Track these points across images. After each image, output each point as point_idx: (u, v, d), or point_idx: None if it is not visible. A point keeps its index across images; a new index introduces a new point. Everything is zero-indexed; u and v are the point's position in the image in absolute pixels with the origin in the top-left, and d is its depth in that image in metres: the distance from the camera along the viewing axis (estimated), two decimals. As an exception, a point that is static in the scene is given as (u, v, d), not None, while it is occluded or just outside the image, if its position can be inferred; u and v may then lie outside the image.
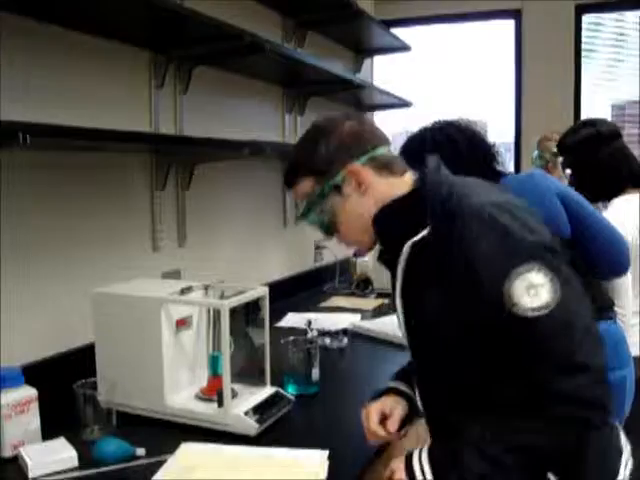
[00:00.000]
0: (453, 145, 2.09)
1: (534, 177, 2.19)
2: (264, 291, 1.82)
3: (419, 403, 1.51)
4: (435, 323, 1.34)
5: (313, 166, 1.46)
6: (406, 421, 1.54)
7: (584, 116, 4.78)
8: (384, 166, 1.44)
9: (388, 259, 1.48)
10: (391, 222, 1.42)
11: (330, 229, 1.51)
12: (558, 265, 1.25)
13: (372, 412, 1.52)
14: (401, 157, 1.53)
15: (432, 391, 1.47)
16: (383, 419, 1.52)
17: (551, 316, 1.20)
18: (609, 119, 4.68)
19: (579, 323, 1.22)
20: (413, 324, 1.45)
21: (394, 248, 1.41)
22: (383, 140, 1.49)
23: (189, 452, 1.56)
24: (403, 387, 1.58)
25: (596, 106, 4.84)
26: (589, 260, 2.11)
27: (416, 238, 1.34)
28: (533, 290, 1.21)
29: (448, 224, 1.29)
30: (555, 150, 3.25)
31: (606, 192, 2.61)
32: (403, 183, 1.44)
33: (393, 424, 1.50)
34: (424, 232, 1.33)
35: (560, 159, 3.26)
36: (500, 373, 1.28)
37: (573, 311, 1.23)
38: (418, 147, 2.09)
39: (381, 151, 1.46)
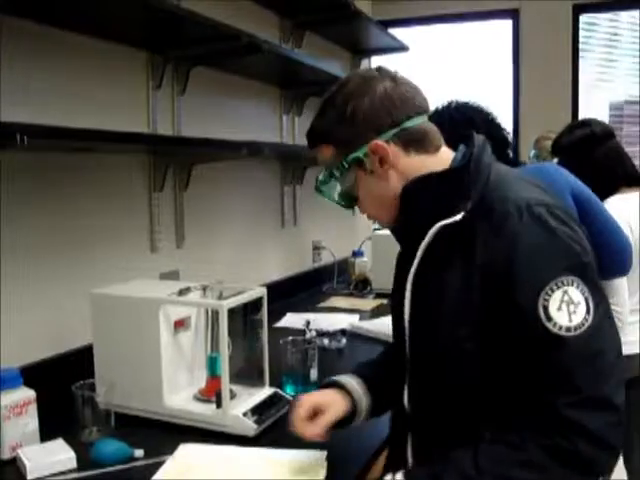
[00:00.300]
0: (471, 126, 1.92)
1: (550, 171, 2.19)
2: (262, 292, 1.82)
3: (407, 406, 1.37)
4: (450, 313, 1.23)
5: (334, 136, 1.33)
6: (344, 423, 1.45)
7: (582, 115, 4.79)
8: (415, 141, 1.30)
9: (406, 236, 1.38)
10: (423, 197, 1.29)
11: (349, 202, 1.41)
12: (596, 284, 1.17)
13: (302, 405, 1.43)
14: (439, 130, 1.38)
15: (424, 394, 1.35)
16: (315, 414, 1.42)
17: (584, 339, 1.10)
18: (607, 118, 4.70)
19: (610, 353, 1.12)
20: (418, 312, 1.32)
21: (419, 226, 1.29)
22: (419, 107, 1.32)
23: (188, 453, 1.56)
24: (353, 384, 1.48)
25: (594, 105, 4.84)
26: None
27: (449, 220, 1.22)
28: (572, 307, 1.11)
29: (492, 212, 1.19)
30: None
31: (600, 191, 2.62)
32: (437, 160, 1.31)
33: (321, 423, 1.39)
34: (459, 216, 1.21)
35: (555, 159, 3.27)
36: (506, 389, 1.18)
37: (606, 338, 1.14)
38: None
39: (414, 122, 1.29)
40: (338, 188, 1.38)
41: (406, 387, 1.37)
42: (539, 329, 1.11)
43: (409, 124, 1.29)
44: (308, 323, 2.60)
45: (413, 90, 1.33)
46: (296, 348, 2.03)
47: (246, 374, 1.85)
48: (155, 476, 1.45)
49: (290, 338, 2.09)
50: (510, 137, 2.13)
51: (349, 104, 1.28)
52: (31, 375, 1.67)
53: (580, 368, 1.10)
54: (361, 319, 2.93)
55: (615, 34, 4.90)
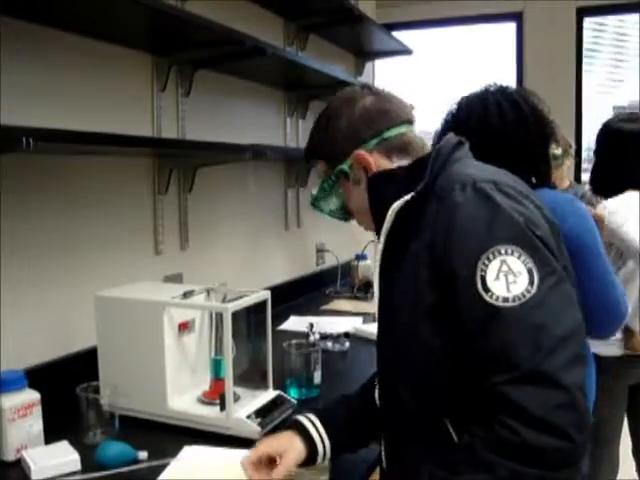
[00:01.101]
0: (518, 113, 1.84)
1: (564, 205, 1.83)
2: (267, 295, 1.82)
3: (378, 404, 1.37)
4: (406, 300, 1.21)
5: (322, 151, 1.41)
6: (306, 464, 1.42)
7: (585, 118, 4.79)
8: (397, 149, 1.33)
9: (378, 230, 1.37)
10: (386, 187, 1.32)
11: (343, 215, 1.46)
12: (547, 260, 1.10)
13: (256, 450, 1.39)
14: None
15: (391, 389, 1.32)
16: (273, 460, 1.38)
17: (523, 311, 1.03)
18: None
19: (555, 330, 1.02)
20: (383, 305, 1.34)
21: (382, 217, 1.30)
22: (403, 118, 1.36)
23: (191, 455, 1.57)
24: (313, 426, 1.45)
25: (598, 108, 4.85)
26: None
27: (400, 202, 1.25)
28: (512, 277, 1.06)
29: (440, 190, 1.20)
30: (557, 152, 3.23)
31: (621, 187, 2.60)
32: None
33: (278, 473, 1.35)
34: (408, 196, 1.23)
35: (566, 160, 3.27)
36: (464, 377, 1.13)
37: (551, 314, 1.04)
38: (481, 110, 1.85)
39: (397, 131, 1.34)
40: (331, 202, 1.44)
41: (377, 382, 1.42)
42: (476, 299, 1.07)
43: (390, 133, 1.34)
44: (312, 326, 2.60)
45: (395, 102, 1.38)
46: (299, 351, 2.04)
47: (250, 377, 1.85)
48: (159, 478, 1.46)
49: (294, 341, 2.09)
50: (555, 128, 1.93)
51: (331, 121, 1.38)
52: (36, 377, 1.68)
53: (519, 342, 1.02)
54: (364, 322, 2.93)
55: (623, 34, 4.91)
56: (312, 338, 2.44)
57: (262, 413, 1.72)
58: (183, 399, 1.78)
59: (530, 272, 1.06)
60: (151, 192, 2.42)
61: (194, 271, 2.59)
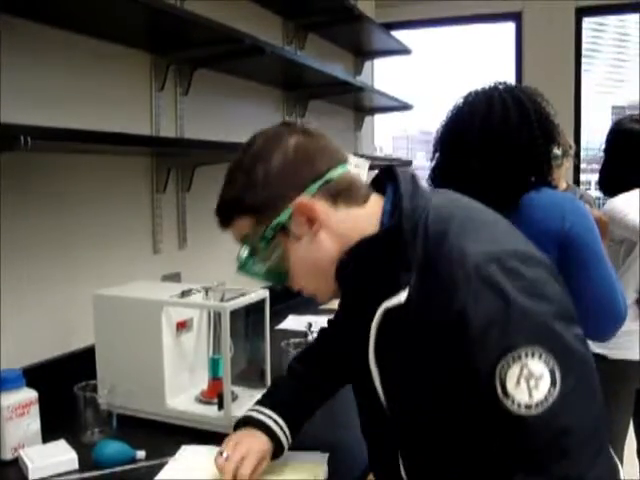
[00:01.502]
0: (522, 112, 1.82)
1: (562, 204, 1.83)
2: (265, 294, 1.82)
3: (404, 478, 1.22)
4: (419, 398, 1.10)
5: (249, 203, 1.14)
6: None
7: (584, 119, 4.80)
8: (342, 193, 1.14)
9: (351, 314, 1.26)
10: (359, 273, 1.14)
11: (280, 278, 1.23)
12: (569, 351, 0.99)
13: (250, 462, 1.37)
14: (368, 184, 1.22)
15: (420, 468, 1.20)
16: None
17: (547, 417, 0.95)
18: (610, 122, 4.70)
19: (580, 432, 0.96)
20: (395, 393, 1.17)
21: (364, 309, 1.15)
22: (339, 157, 1.17)
23: (189, 454, 1.56)
24: (273, 419, 1.43)
25: (597, 108, 4.85)
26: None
27: (393, 302, 1.08)
28: (533, 381, 0.95)
29: (438, 283, 1.03)
30: (557, 152, 3.22)
31: (630, 187, 2.60)
32: (368, 213, 1.16)
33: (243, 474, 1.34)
34: (403, 295, 1.06)
35: (565, 161, 3.26)
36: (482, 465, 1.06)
37: (575, 416, 0.96)
38: (485, 108, 1.84)
39: (338, 172, 1.14)
40: (265, 264, 1.21)
41: (400, 460, 1.22)
42: (497, 406, 0.97)
43: (333, 174, 1.14)
44: (310, 325, 2.60)
45: (328, 140, 1.19)
46: (298, 350, 2.03)
47: (248, 376, 1.85)
48: (157, 477, 1.46)
49: (292, 340, 2.09)
50: (560, 130, 1.92)
51: (258, 165, 1.13)
52: (33, 376, 1.67)
53: (545, 449, 0.96)
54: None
55: (625, 34, 4.92)
56: (310, 337, 2.43)
57: (260, 412, 1.71)
58: (181, 398, 1.78)
59: (552, 372, 0.96)
60: (149, 191, 2.42)
61: (192, 270, 2.59)
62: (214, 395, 1.73)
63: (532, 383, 0.95)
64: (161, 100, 2.44)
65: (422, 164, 7.47)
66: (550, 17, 4.79)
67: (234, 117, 2.96)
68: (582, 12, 4.86)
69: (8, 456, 1.56)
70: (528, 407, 0.95)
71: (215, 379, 1.77)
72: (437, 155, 1.98)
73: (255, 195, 1.13)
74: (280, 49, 2.73)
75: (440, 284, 1.03)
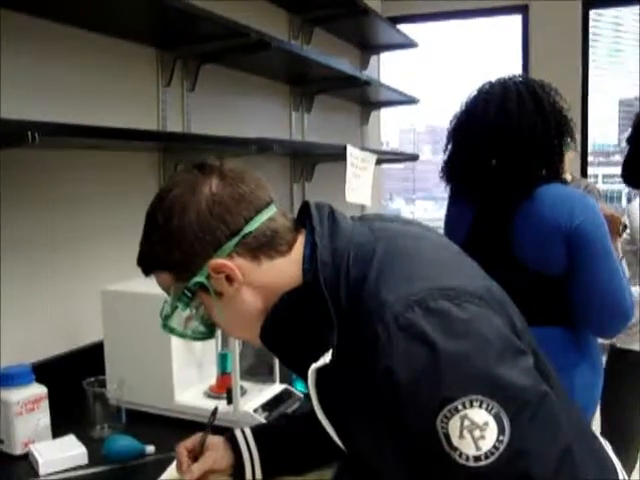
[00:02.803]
0: (537, 103, 1.84)
1: (573, 200, 1.84)
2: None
3: None
4: (373, 453, 1.04)
5: (165, 261, 1.09)
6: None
7: (591, 111, 4.78)
8: (263, 246, 1.05)
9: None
10: (282, 337, 1.08)
11: (207, 335, 1.18)
12: (515, 391, 0.89)
13: (184, 444, 1.36)
14: (291, 220, 1.12)
15: None
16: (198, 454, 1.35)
17: (499, 466, 0.86)
18: (617, 114, 4.69)
19: (543, 469, 0.88)
20: (349, 442, 1.12)
21: (294, 365, 1.13)
22: (261, 201, 1.07)
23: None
24: (243, 436, 1.39)
25: (603, 101, 4.83)
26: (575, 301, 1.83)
27: (318, 365, 1.00)
28: (477, 431, 0.87)
29: (357, 338, 0.95)
30: (571, 144, 3.19)
31: None
32: (292, 262, 1.07)
33: (193, 469, 1.31)
34: (328, 356, 0.98)
35: (569, 153, 3.23)
36: None
37: (533, 457, 0.87)
38: (500, 98, 1.85)
39: (257, 224, 1.05)
40: (187, 323, 1.15)
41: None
42: (446, 460, 0.88)
43: (252, 227, 1.05)
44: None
45: (249, 183, 1.08)
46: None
47: (256, 371, 1.85)
48: (165, 472, 1.46)
49: (300, 335, 2.09)
50: (573, 123, 1.91)
51: (172, 221, 1.05)
52: (43, 371, 1.68)
53: None
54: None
55: (620, 25, 4.90)
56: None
57: (269, 407, 1.72)
58: (190, 393, 1.78)
59: (497, 417, 0.87)
60: (157, 186, 2.41)
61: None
62: (223, 390, 1.74)
63: (477, 433, 0.87)
64: (168, 95, 2.44)
65: (428, 158, 7.47)
66: (557, 9, 4.77)
67: (240, 112, 2.96)
68: (589, 4, 4.84)
69: (18, 451, 1.57)
70: (477, 459, 0.87)
71: (224, 374, 1.78)
72: (450, 147, 1.98)
73: (169, 254, 1.07)
74: (286, 43, 2.73)
75: (362, 342, 0.94)
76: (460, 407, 0.87)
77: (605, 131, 5.65)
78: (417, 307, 0.91)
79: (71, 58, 2.03)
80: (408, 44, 4.21)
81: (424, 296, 0.92)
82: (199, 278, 1.05)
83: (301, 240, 1.10)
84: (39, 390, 1.61)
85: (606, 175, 6.01)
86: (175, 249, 1.05)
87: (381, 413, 0.94)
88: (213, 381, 1.81)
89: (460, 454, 0.87)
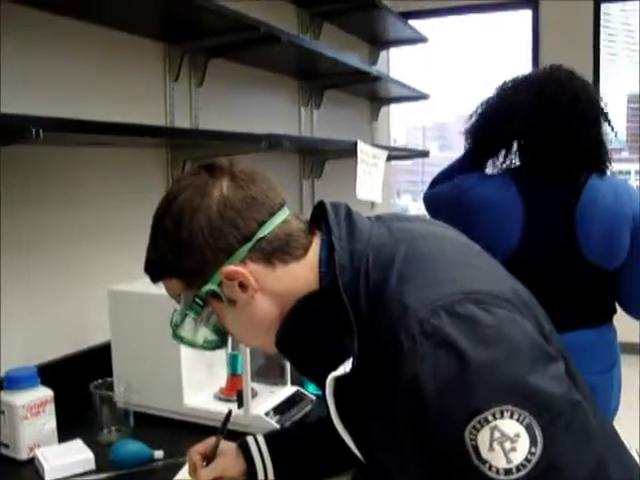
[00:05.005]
0: (573, 101, 1.81)
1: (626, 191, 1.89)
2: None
3: None
4: (394, 465, 1.00)
5: (174, 269, 1.05)
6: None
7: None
8: (277, 251, 1.02)
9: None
10: (299, 345, 1.05)
11: (218, 344, 1.13)
12: (548, 400, 0.85)
13: (197, 449, 1.35)
14: (305, 223, 1.08)
15: None
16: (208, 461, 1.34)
17: (533, 477, 0.82)
18: (625, 110, 4.64)
19: (579, 475, 0.84)
20: (369, 454, 1.07)
21: (312, 373, 1.10)
22: (274, 204, 1.04)
23: (209, 454, 1.52)
24: (255, 443, 1.36)
25: (614, 97, 4.79)
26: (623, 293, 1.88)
27: (338, 373, 0.96)
28: (508, 443, 0.82)
29: (379, 346, 0.91)
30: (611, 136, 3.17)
31: None
32: (308, 266, 1.03)
33: (203, 473, 1.30)
34: (348, 364, 0.95)
35: None
36: None
37: (566, 468, 0.84)
38: (536, 88, 1.84)
39: (270, 228, 1.01)
40: (199, 332, 1.11)
41: None
42: (477, 475, 0.84)
43: (264, 232, 1.01)
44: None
45: (260, 184, 1.04)
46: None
47: (266, 372, 1.81)
48: (175, 478, 1.42)
49: (311, 335, 2.05)
50: (610, 117, 1.91)
51: (182, 227, 1.01)
52: (48, 374, 1.65)
53: None
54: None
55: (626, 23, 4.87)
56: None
57: (281, 409, 1.68)
58: (199, 396, 1.75)
59: (529, 428, 0.83)
60: (165, 184, 2.39)
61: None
62: (233, 392, 1.70)
63: (507, 445, 0.83)
64: (175, 91, 2.41)
65: (435, 155, 7.44)
66: (567, 3, 4.73)
67: (249, 107, 2.92)
68: (600, -2, 4.80)
69: (24, 456, 1.53)
70: (508, 472, 0.82)
71: (234, 376, 1.74)
72: (470, 139, 1.98)
73: (180, 261, 1.03)
74: (296, 37, 2.69)
75: (385, 349, 0.90)
76: (490, 418, 0.83)
77: (616, 127, 5.63)
78: (443, 312, 0.87)
79: (77, 53, 1.99)
80: (418, 39, 4.17)
81: (450, 301, 0.88)
82: (211, 286, 1.02)
83: (316, 242, 1.06)
84: (45, 393, 1.57)
85: (613, 172, 5.98)
86: (185, 256, 1.02)
87: (405, 423, 0.90)
88: (223, 383, 1.77)
89: (490, 467, 0.83)
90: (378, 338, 0.91)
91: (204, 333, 1.11)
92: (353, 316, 0.95)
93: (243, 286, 1.01)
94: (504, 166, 1.93)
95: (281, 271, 1.03)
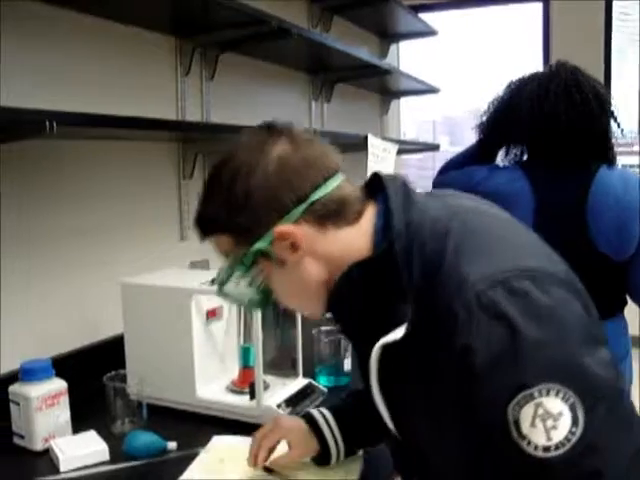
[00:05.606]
0: (581, 96, 1.82)
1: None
2: (295, 281, 1.78)
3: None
4: (430, 436, 1.01)
5: (227, 224, 1.04)
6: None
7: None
8: (331, 214, 1.02)
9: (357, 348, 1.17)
10: (350, 308, 1.06)
11: (263, 302, 1.14)
12: (593, 383, 0.86)
13: (266, 439, 1.37)
14: (360, 190, 1.09)
15: None
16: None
17: (568, 460, 0.83)
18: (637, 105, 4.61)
19: (610, 471, 0.84)
20: (404, 427, 1.08)
21: (360, 340, 1.09)
22: (330, 168, 1.04)
23: (221, 445, 1.53)
24: (329, 429, 1.37)
25: (625, 89, 4.77)
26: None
27: (388, 339, 0.97)
28: (550, 421, 0.84)
29: (435, 314, 0.91)
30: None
31: None
32: (361, 233, 1.04)
33: (277, 461, 1.36)
34: (400, 331, 0.95)
35: None
36: None
37: (604, 456, 0.84)
38: (545, 83, 1.85)
39: (326, 190, 1.02)
40: (245, 289, 1.11)
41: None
42: (514, 449, 0.85)
43: (320, 194, 1.01)
44: (339, 312, 2.56)
45: (318, 148, 1.06)
46: (329, 338, 2.00)
47: (278, 364, 1.82)
48: (188, 469, 1.43)
49: (322, 328, 2.05)
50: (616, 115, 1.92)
51: (238, 182, 1.01)
52: (62, 366, 1.66)
53: None
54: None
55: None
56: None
57: (292, 402, 1.68)
58: (212, 388, 1.75)
59: (573, 409, 0.84)
60: (176, 177, 2.40)
61: (220, 257, 2.56)
62: (245, 384, 1.71)
63: (549, 423, 0.84)
64: (187, 85, 2.41)
65: (445, 149, 7.41)
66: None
67: (260, 101, 2.92)
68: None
69: (39, 447, 1.54)
70: (546, 449, 0.84)
71: (246, 368, 1.74)
72: (481, 135, 1.99)
73: (233, 217, 1.03)
74: (307, 31, 2.69)
75: (440, 318, 0.90)
76: (536, 394, 0.84)
77: (626, 120, 5.59)
78: (501, 287, 0.88)
79: (88, 47, 2.00)
80: (428, 32, 4.15)
81: (508, 276, 0.89)
82: (262, 244, 1.02)
83: (370, 211, 1.06)
84: (59, 385, 1.58)
85: (625, 165, 5.96)
86: (239, 213, 1.02)
87: (449, 393, 0.92)
88: (234, 375, 1.78)
89: (529, 443, 0.84)
90: (432, 307, 0.92)
91: (249, 292, 1.11)
92: (408, 283, 0.96)
93: (294, 247, 1.02)
94: (514, 159, 1.95)
95: (333, 235, 1.03)
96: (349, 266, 1.02)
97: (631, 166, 5.73)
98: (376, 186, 1.09)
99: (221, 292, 1.13)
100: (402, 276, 0.96)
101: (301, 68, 3.24)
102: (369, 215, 1.06)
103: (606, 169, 1.85)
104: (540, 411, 0.84)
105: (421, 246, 0.96)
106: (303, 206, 1.00)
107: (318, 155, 1.04)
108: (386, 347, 0.99)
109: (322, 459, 1.39)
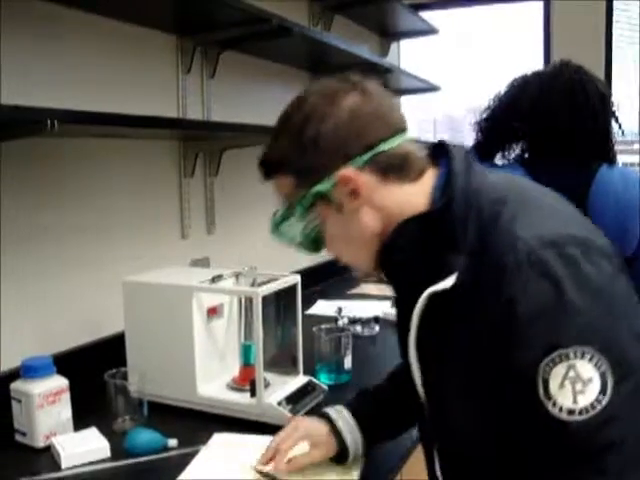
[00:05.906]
0: (584, 95, 1.83)
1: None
2: (297, 279, 1.79)
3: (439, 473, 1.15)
4: (456, 395, 1.03)
5: (292, 165, 1.08)
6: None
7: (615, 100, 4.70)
8: (394, 167, 1.05)
9: (401, 305, 1.18)
10: (402, 258, 1.07)
11: (314, 246, 1.16)
12: (626, 356, 0.87)
13: (284, 443, 1.36)
14: (424, 145, 1.12)
15: (454, 470, 1.13)
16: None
17: (592, 426, 0.84)
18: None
19: (627, 447, 0.85)
20: (432, 387, 1.10)
21: (407, 292, 1.09)
22: (397, 125, 1.07)
23: (222, 442, 1.54)
24: (349, 430, 1.38)
25: (626, 88, 4.76)
26: None
27: (438, 288, 0.99)
28: (579, 385, 0.85)
29: (488, 268, 0.94)
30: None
31: None
32: (419, 190, 1.07)
33: (298, 462, 1.34)
34: (450, 280, 0.98)
35: None
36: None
37: (624, 430, 0.85)
38: (548, 82, 1.87)
39: (392, 144, 1.05)
40: (300, 229, 1.13)
41: (436, 458, 1.15)
42: (538, 408, 0.87)
43: (386, 146, 1.04)
44: (340, 310, 2.58)
45: (388, 103, 1.09)
46: (329, 336, 2.00)
47: (278, 362, 1.82)
48: (189, 466, 1.43)
49: (323, 325, 2.06)
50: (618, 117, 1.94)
51: (309, 126, 1.04)
52: (63, 363, 1.66)
53: (582, 461, 0.86)
54: (393, 306, 2.88)
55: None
56: (341, 322, 2.41)
57: (293, 399, 1.68)
58: (212, 385, 1.76)
59: (603, 376, 0.85)
60: (177, 175, 2.40)
61: (221, 255, 2.56)
62: (246, 382, 1.71)
63: (578, 387, 0.85)
64: (188, 83, 2.42)
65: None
66: (580, -5, 4.69)
67: (261, 100, 2.92)
68: (613, -11, 4.76)
69: (40, 444, 1.55)
70: (571, 412, 0.85)
71: (247, 366, 1.75)
72: (480, 133, 2.00)
73: (299, 159, 1.06)
74: (307, 30, 2.69)
75: (490, 270, 0.93)
76: (571, 355, 0.86)
77: (627, 119, 5.58)
78: (551, 248, 0.90)
79: (90, 45, 2.00)
80: (429, 30, 4.15)
81: (560, 240, 0.91)
82: (324, 186, 1.05)
83: (432, 172, 1.09)
84: (60, 382, 1.59)
85: (625, 164, 5.96)
86: (306, 155, 1.05)
87: (486, 345, 0.94)
88: (236, 373, 1.79)
89: (554, 403, 0.86)
90: (484, 260, 0.95)
91: (302, 235, 1.14)
92: (462, 239, 0.98)
93: (354, 194, 1.04)
94: (513, 158, 1.95)
95: (393, 189, 1.06)
96: (405, 219, 1.05)
97: (631, 164, 5.73)
98: (440, 151, 1.12)
99: (276, 231, 1.15)
100: (457, 233, 0.99)
101: (302, 66, 3.23)
102: (430, 175, 1.09)
103: (607, 168, 1.86)
104: (571, 373, 0.85)
105: (478, 208, 0.99)
106: (368, 155, 1.03)
107: (387, 110, 1.07)
108: (432, 298, 1.01)
109: (340, 457, 1.39)
